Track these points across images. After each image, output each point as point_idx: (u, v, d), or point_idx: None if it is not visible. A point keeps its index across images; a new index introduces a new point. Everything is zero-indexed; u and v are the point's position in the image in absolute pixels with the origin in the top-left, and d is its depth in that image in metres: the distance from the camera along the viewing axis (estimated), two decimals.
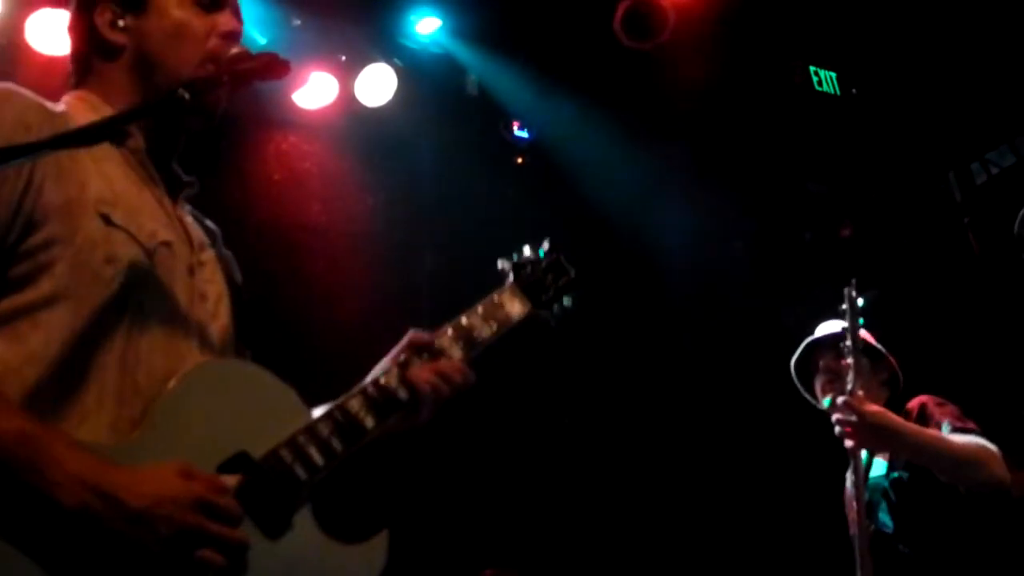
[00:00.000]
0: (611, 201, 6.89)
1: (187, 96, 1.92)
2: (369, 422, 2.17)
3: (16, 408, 1.80)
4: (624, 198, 6.92)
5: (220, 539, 1.81)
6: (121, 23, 2.21)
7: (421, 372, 2.27)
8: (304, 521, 2.02)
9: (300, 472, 2.01)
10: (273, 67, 2.11)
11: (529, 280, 2.58)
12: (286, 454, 2.00)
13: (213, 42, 2.20)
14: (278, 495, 1.98)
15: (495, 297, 2.48)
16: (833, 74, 6.99)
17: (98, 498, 1.73)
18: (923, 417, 3.88)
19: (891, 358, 4.12)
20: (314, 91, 6.06)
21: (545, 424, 6.82)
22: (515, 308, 2.51)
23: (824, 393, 4.13)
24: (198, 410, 1.96)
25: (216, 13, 2.24)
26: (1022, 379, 5.96)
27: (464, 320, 2.40)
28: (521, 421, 6.68)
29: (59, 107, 2.14)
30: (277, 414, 2.05)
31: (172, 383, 1.96)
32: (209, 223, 2.40)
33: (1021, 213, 3.68)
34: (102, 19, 2.21)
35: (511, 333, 2.48)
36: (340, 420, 2.13)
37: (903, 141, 7.22)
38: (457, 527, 6.24)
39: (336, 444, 2.09)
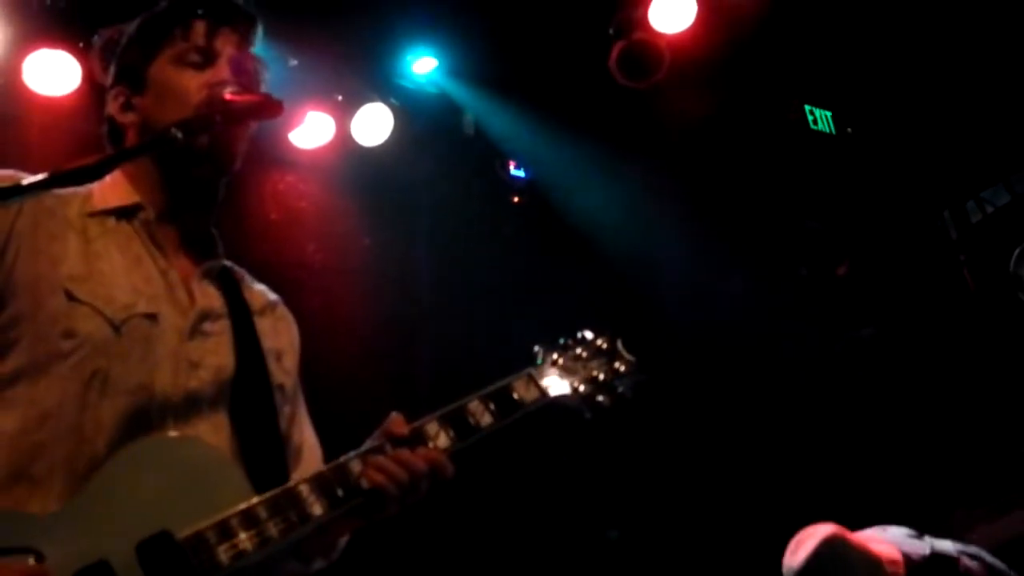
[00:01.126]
0: (607, 239, 6.89)
1: (179, 135, 1.94)
2: (317, 509, 2.01)
3: None
4: (621, 235, 6.92)
5: None
6: (131, 104, 2.30)
7: (380, 460, 2.10)
8: None
9: (222, 556, 1.88)
10: (266, 106, 2.16)
11: (560, 366, 2.44)
12: (211, 535, 1.89)
13: (203, 93, 2.22)
14: None
15: (507, 382, 2.34)
16: (828, 113, 7.04)
17: None
18: None
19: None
20: (311, 131, 6.07)
21: (544, 462, 6.77)
22: (529, 395, 2.36)
23: None
24: (134, 484, 1.91)
25: (209, 68, 2.27)
26: (1018, 417, 5.95)
27: (462, 404, 2.26)
28: (519, 459, 6.63)
29: (80, 191, 2.18)
30: (219, 495, 1.95)
31: (115, 456, 1.94)
32: (260, 291, 2.42)
33: (1016, 251, 3.68)
34: (115, 105, 2.32)
35: (522, 420, 2.31)
36: (282, 504, 1.98)
37: (898, 179, 7.25)
38: None
39: (272, 530, 1.94)
